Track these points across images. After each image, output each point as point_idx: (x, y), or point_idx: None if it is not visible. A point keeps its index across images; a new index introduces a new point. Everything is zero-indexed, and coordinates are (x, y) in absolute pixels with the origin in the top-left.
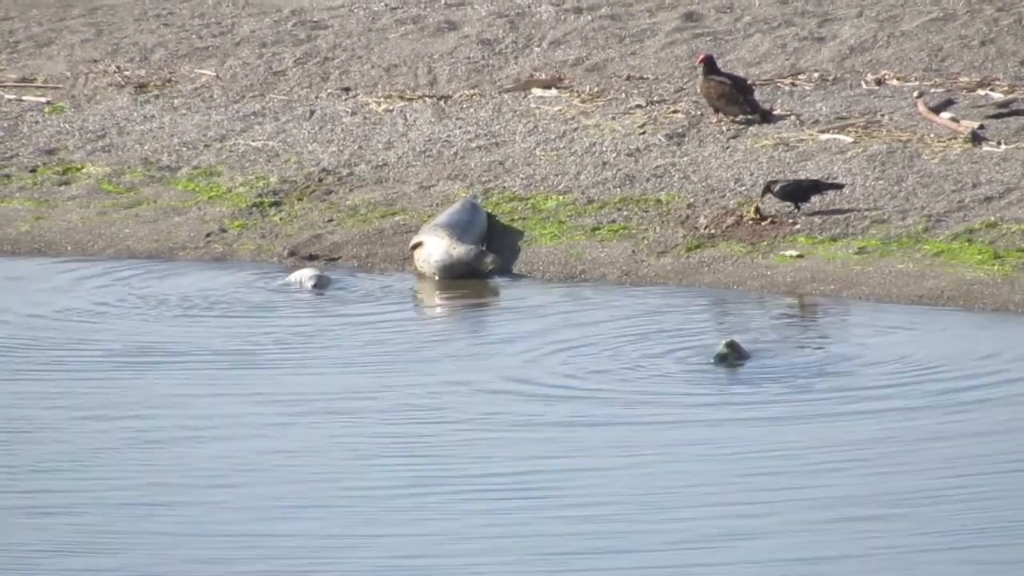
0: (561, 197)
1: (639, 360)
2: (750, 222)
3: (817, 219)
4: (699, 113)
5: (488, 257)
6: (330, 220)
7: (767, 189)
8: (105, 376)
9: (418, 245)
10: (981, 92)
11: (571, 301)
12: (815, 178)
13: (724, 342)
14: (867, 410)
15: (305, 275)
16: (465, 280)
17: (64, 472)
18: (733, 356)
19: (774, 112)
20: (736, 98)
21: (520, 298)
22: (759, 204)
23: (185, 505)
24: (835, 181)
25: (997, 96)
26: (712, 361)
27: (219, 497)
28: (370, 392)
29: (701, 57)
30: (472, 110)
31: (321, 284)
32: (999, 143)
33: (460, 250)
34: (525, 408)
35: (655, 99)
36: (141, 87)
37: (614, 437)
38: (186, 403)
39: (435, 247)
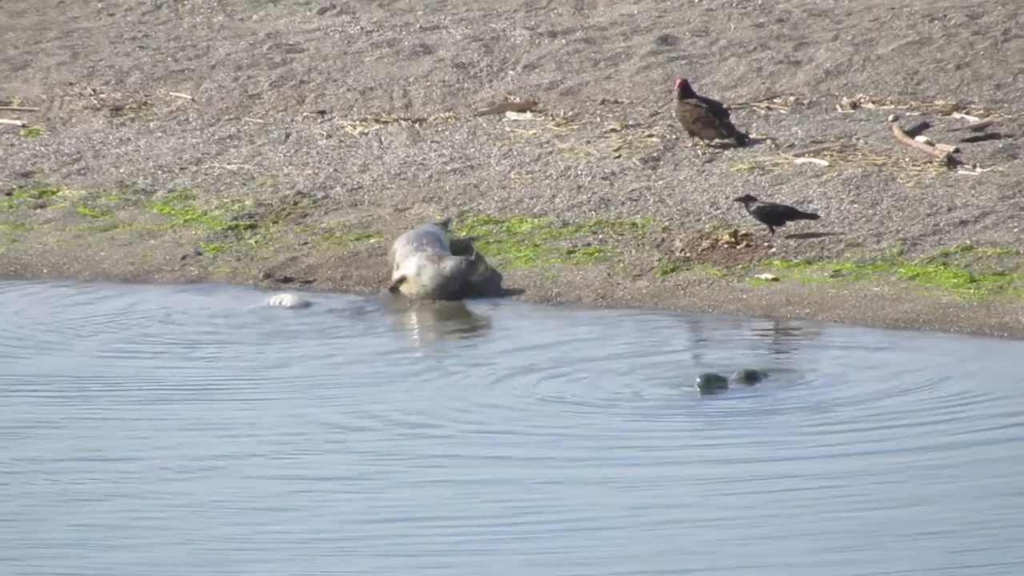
0: (536, 220)
1: (620, 385)
2: (725, 245)
3: (792, 242)
4: (674, 137)
5: (481, 266)
6: (305, 243)
7: (745, 200)
8: (69, 402)
9: (402, 280)
10: (956, 116)
11: (546, 324)
12: (792, 205)
13: (703, 373)
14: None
15: (283, 298)
16: (439, 302)
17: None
18: (717, 383)
19: (749, 136)
20: (712, 122)
21: (495, 320)
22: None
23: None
24: (813, 212)
25: (972, 120)
26: (698, 384)
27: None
28: (343, 417)
29: (678, 81)
30: (447, 133)
31: (298, 306)
32: (974, 167)
33: (449, 265)
34: (502, 438)
35: (630, 123)
36: (117, 110)
37: (599, 464)
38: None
39: (424, 274)
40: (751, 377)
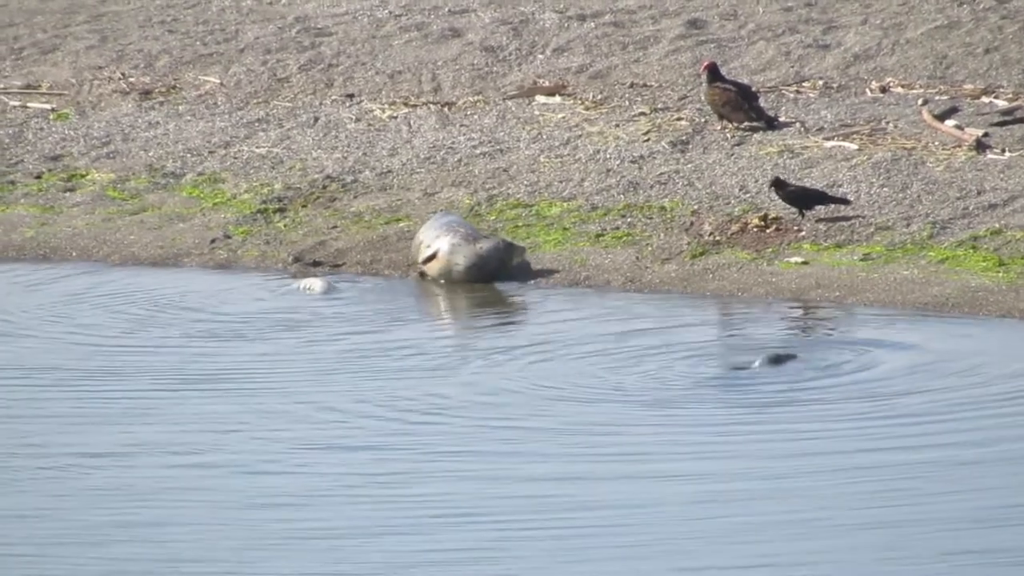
0: (565, 204)
1: (654, 369)
2: (755, 229)
3: (822, 226)
4: (703, 120)
5: (517, 247)
6: (334, 227)
7: (776, 184)
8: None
9: (432, 257)
10: (985, 100)
11: (576, 307)
12: (822, 189)
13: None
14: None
15: (312, 283)
16: (469, 285)
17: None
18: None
19: (779, 119)
20: (741, 105)
21: (526, 304)
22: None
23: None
24: (844, 196)
25: (1001, 104)
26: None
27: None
28: (374, 398)
29: (705, 64)
30: (476, 117)
31: (328, 290)
32: (1003, 151)
33: (486, 245)
34: (536, 421)
35: (659, 106)
36: (146, 94)
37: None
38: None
39: (458, 253)
40: (777, 360)
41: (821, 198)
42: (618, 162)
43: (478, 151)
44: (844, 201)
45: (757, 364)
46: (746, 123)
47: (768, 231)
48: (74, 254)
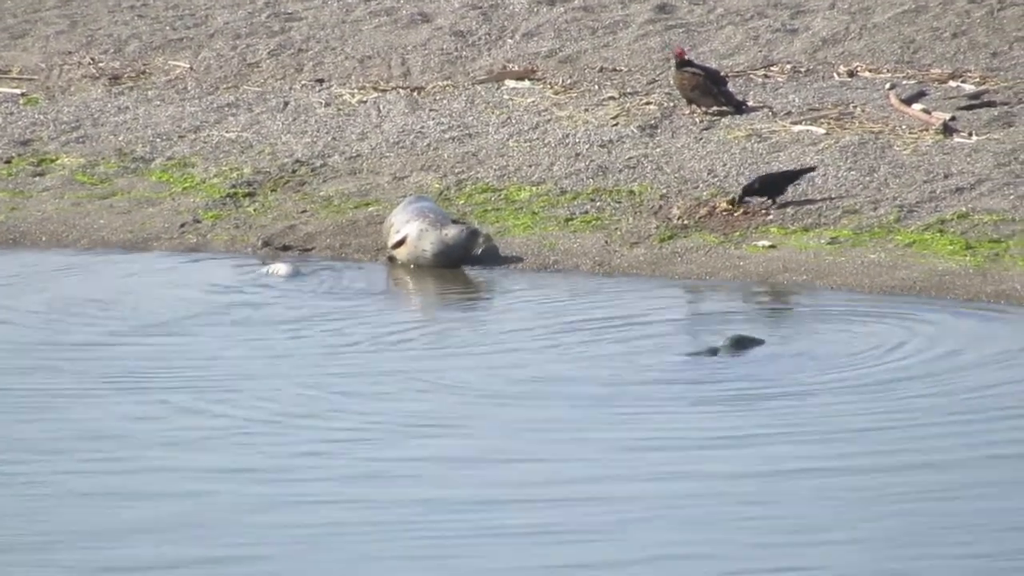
0: (534, 188)
1: (624, 353)
2: (723, 212)
3: (790, 209)
4: (672, 105)
5: (480, 236)
6: (304, 211)
7: (747, 191)
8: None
9: (401, 242)
10: (953, 84)
11: (543, 291)
12: (786, 169)
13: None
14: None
15: (277, 267)
16: (438, 269)
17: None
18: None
19: (747, 104)
20: (710, 89)
21: (491, 289)
22: (734, 197)
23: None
24: (805, 166)
25: (968, 88)
26: (722, 346)
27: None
28: (339, 382)
29: (678, 51)
30: (445, 101)
31: (294, 274)
32: (970, 134)
33: (452, 231)
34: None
35: (628, 91)
36: (115, 79)
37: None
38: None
39: (425, 239)
40: (740, 344)
41: (788, 177)
42: (587, 146)
43: (447, 135)
44: (809, 169)
45: (721, 349)
46: (715, 107)
47: (736, 214)
48: (43, 239)
